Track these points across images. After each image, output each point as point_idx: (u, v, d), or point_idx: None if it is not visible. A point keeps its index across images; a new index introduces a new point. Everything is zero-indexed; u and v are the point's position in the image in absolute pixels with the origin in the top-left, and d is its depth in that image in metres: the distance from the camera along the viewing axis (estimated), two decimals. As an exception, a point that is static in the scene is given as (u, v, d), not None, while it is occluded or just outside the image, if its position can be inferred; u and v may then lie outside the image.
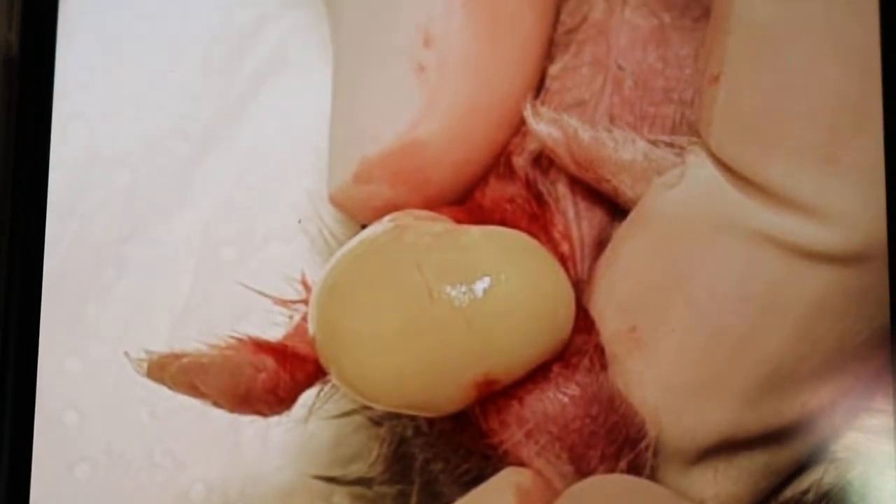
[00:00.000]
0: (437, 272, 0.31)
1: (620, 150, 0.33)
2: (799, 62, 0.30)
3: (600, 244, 0.34)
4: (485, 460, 0.32)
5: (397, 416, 0.34)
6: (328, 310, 0.31)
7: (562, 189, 0.34)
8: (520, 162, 0.34)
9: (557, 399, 0.31)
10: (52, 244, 0.39)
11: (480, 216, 0.34)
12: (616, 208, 0.34)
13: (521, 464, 0.32)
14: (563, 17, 0.36)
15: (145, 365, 0.31)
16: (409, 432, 0.34)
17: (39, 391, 0.37)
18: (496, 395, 0.31)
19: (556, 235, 0.34)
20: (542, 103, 0.34)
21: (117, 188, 0.41)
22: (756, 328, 0.31)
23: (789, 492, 0.33)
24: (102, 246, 0.40)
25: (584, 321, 0.32)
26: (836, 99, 0.30)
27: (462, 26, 0.33)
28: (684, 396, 0.32)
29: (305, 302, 0.33)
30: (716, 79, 0.31)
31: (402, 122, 0.33)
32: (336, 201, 0.35)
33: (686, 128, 0.34)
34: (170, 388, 0.31)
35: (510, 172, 0.34)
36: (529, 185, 0.34)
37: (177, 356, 0.31)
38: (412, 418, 0.33)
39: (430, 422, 0.33)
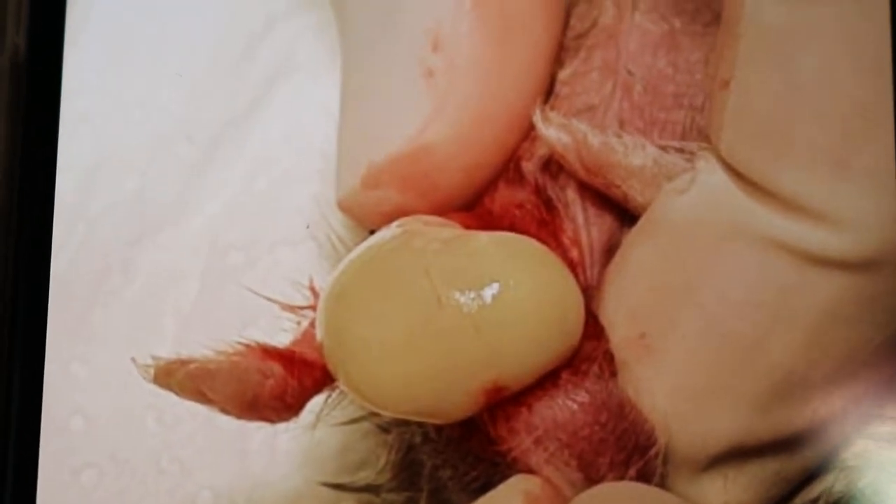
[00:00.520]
0: (446, 278, 0.30)
1: (630, 156, 0.33)
2: (810, 67, 0.30)
3: (610, 250, 0.34)
4: (493, 467, 0.32)
5: (405, 422, 0.34)
6: (336, 316, 0.31)
7: (571, 195, 0.34)
8: (529, 167, 0.34)
9: (567, 406, 0.31)
10: (59, 248, 0.39)
11: (489, 222, 0.34)
12: (626, 214, 0.34)
13: (530, 471, 0.31)
14: (572, 21, 0.35)
15: (152, 371, 0.31)
16: (418, 439, 0.34)
17: (45, 396, 0.37)
18: (505, 402, 0.31)
19: (566, 241, 0.34)
20: (552, 108, 0.34)
21: (124, 192, 0.41)
22: (767, 335, 0.31)
23: (799, 500, 0.33)
24: (109, 250, 0.40)
25: (593, 327, 0.32)
26: (848, 104, 0.30)
27: (471, 31, 0.33)
28: (694, 403, 0.31)
29: (313, 308, 0.33)
30: (726, 84, 0.31)
31: (411, 127, 0.33)
32: (344, 206, 0.35)
33: (696, 133, 0.34)
34: (177, 394, 0.31)
35: (519, 178, 0.34)
36: (539, 191, 0.34)
37: (184, 362, 0.31)
38: (420, 425, 0.33)
39: (439, 429, 0.33)
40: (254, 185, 0.41)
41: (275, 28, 0.42)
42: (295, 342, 0.33)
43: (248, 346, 0.32)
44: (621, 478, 0.31)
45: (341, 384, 0.31)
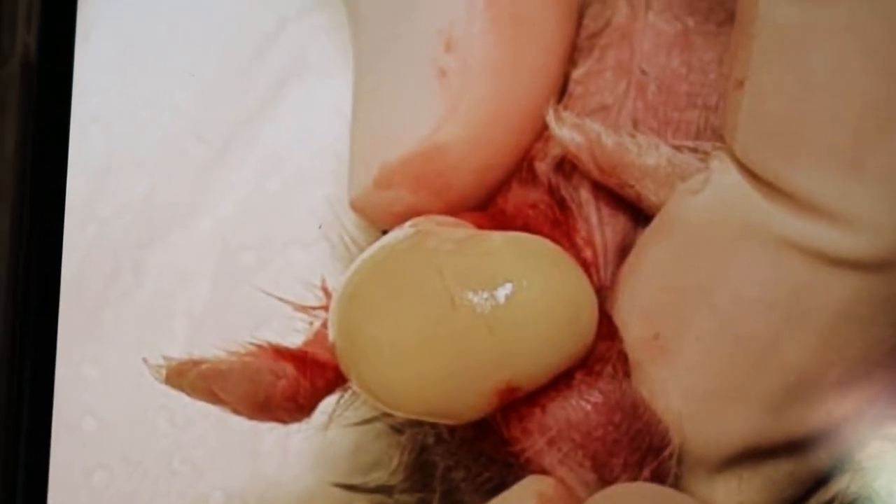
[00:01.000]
0: (459, 278, 0.30)
1: (644, 156, 0.33)
2: (824, 66, 0.30)
3: (623, 250, 0.34)
4: (507, 468, 0.32)
5: (418, 423, 0.34)
6: (349, 316, 0.31)
7: (585, 195, 0.34)
8: (542, 167, 0.34)
9: (580, 406, 0.31)
10: (70, 249, 0.39)
11: (503, 222, 0.34)
12: (639, 214, 0.34)
13: (544, 472, 0.31)
14: (585, 21, 0.35)
15: (164, 371, 0.31)
16: (431, 440, 0.34)
17: (57, 398, 0.37)
18: (518, 403, 0.31)
19: (579, 241, 0.34)
20: (565, 108, 0.34)
21: (136, 193, 0.41)
22: (781, 336, 0.30)
23: (814, 501, 0.33)
24: (120, 251, 0.40)
25: (607, 328, 0.32)
26: (862, 103, 0.30)
27: (484, 31, 0.33)
28: (708, 404, 0.31)
29: (326, 308, 0.33)
30: (740, 84, 0.31)
31: (424, 127, 0.33)
32: (356, 207, 0.35)
33: (710, 133, 0.34)
34: (188, 394, 0.31)
35: (533, 178, 0.34)
36: (552, 191, 0.34)
37: (195, 362, 0.31)
38: (433, 426, 0.33)
39: (452, 429, 0.33)
40: (266, 186, 0.40)
41: (287, 28, 0.42)
42: (307, 343, 0.33)
43: (260, 346, 0.32)
44: (635, 479, 0.31)
45: (354, 385, 0.31)
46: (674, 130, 0.34)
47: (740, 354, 0.31)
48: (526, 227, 0.33)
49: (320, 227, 0.39)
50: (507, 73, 0.33)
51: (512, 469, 0.32)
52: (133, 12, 0.42)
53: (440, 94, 0.33)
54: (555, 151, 0.34)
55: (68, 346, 0.38)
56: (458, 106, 0.33)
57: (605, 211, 0.34)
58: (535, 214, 0.34)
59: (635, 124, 0.34)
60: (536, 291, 0.30)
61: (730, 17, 0.33)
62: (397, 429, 0.35)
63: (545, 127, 0.33)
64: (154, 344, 0.39)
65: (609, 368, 0.31)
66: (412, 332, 0.30)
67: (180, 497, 0.38)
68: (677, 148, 0.33)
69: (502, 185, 0.34)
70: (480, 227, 0.33)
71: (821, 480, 0.33)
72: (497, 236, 0.32)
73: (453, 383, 0.30)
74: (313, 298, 0.33)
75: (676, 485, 0.32)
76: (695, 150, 0.33)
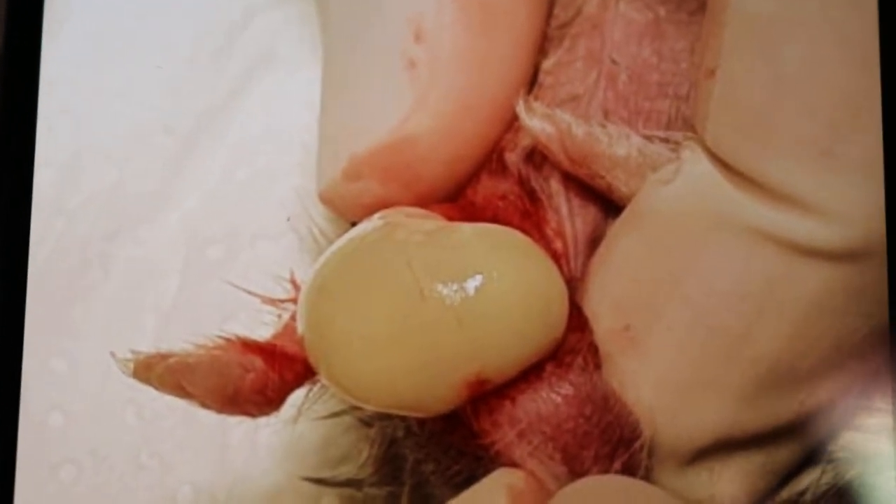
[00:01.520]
0: (429, 270, 0.30)
1: (615, 146, 0.32)
2: (796, 56, 0.30)
3: (594, 241, 0.34)
4: (477, 461, 0.32)
5: (388, 416, 0.33)
6: (317, 309, 0.31)
7: (555, 185, 0.34)
8: (512, 158, 0.34)
9: (550, 399, 0.31)
10: (38, 243, 0.39)
11: (472, 213, 0.34)
12: (610, 205, 0.34)
13: (514, 465, 0.31)
14: (556, 10, 0.35)
15: (131, 365, 0.31)
16: (400, 433, 0.34)
17: (24, 392, 0.37)
18: (488, 395, 0.31)
19: (549, 233, 0.33)
20: (536, 98, 0.34)
21: (103, 185, 0.40)
22: (753, 326, 0.30)
23: (787, 492, 0.33)
24: (88, 244, 0.40)
25: (577, 319, 0.32)
26: (835, 93, 0.29)
27: (454, 21, 0.33)
28: (679, 395, 0.31)
29: (294, 301, 0.33)
30: (712, 73, 0.31)
31: (393, 118, 0.33)
32: (325, 199, 0.35)
33: (681, 123, 0.33)
34: (156, 388, 0.31)
35: (503, 169, 0.34)
36: (522, 182, 0.34)
37: (163, 356, 0.31)
38: (403, 419, 0.33)
39: (421, 422, 0.33)
40: (234, 178, 0.40)
41: (255, 19, 0.42)
42: (276, 336, 0.33)
43: (228, 339, 0.32)
44: (606, 471, 0.31)
45: (323, 378, 0.31)
46: (644, 120, 0.34)
47: (712, 345, 0.31)
48: (496, 219, 0.33)
49: (289, 219, 0.39)
50: (477, 64, 0.33)
51: (482, 462, 0.32)
52: (101, 4, 0.42)
53: (409, 84, 0.33)
54: (525, 142, 0.34)
55: (35, 341, 0.38)
56: (427, 97, 0.33)
57: (576, 202, 0.34)
58: (504, 206, 0.34)
59: (606, 114, 0.34)
60: (506, 283, 0.30)
61: (701, 6, 0.33)
62: (366, 422, 0.35)
63: (515, 117, 0.33)
64: (122, 338, 0.39)
65: (580, 360, 0.31)
66: (381, 325, 0.30)
67: (148, 491, 0.38)
68: (648, 138, 0.33)
69: (472, 177, 0.34)
70: (450, 218, 0.33)
71: (794, 471, 0.33)
72: (467, 228, 0.32)
73: (423, 376, 0.30)
74: (282, 291, 0.33)
75: (647, 477, 0.32)
76: (666, 140, 0.32)
